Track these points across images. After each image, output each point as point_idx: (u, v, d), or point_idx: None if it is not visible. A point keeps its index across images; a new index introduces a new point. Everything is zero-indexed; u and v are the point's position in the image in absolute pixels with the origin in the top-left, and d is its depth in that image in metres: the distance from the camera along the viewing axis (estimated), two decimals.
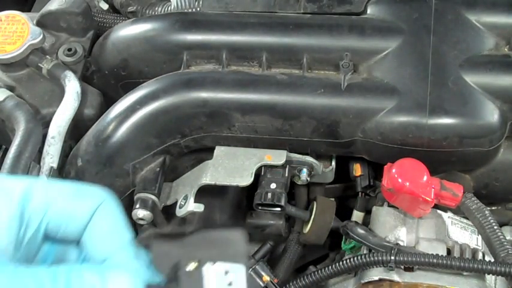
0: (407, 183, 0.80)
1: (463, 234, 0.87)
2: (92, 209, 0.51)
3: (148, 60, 0.95)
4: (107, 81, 1.00)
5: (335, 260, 0.95)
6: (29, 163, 0.84)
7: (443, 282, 0.80)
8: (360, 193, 0.96)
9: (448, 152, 0.85)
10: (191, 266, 0.52)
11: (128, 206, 0.90)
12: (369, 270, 0.82)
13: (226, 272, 0.53)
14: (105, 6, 1.14)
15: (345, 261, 0.82)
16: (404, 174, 0.81)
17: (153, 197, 0.87)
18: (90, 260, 0.52)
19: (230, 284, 0.52)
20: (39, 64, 0.96)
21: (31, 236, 0.50)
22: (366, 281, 0.82)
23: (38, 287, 0.45)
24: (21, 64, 0.97)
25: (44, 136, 0.89)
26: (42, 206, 0.50)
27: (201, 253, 0.53)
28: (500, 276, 0.81)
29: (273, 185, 0.87)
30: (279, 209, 0.87)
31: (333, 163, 0.94)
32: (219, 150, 0.90)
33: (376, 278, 0.81)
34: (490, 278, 0.83)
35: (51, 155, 0.87)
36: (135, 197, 0.87)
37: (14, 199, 0.49)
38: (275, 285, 0.86)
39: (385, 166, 0.84)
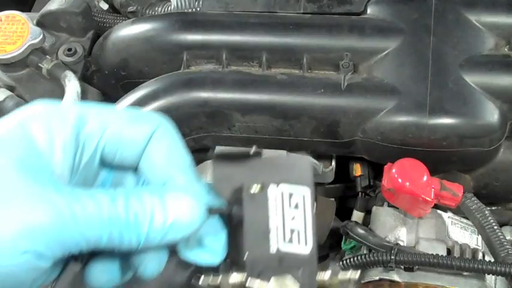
0: (407, 183, 0.80)
1: (463, 234, 0.87)
2: (149, 132, 0.49)
3: (148, 60, 0.95)
4: (107, 81, 1.00)
5: (335, 260, 0.95)
6: None
7: (443, 282, 0.80)
8: (360, 193, 0.96)
9: (448, 152, 0.85)
10: (255, 189, 0.50)
11: None
12: (369, 270, 0.82)
13: (292, 195, 0.50)
14: (105, 6, 1.14)
15: (345, 261, 0.82)
16: (404, 174, 0.81)
17: None
18: (149, 185, 0.50)
19: (296, 206, 0.50)
20: (39, 64, 0.96)
21: (87, 160, 0.48)
22: (366, 281, 0.82)
23: (96, 208, 0.44)
24: (21, 64, 0.97)
25: None
26: (98, 129, 0.48)
27: (265, 176, 0.51)
28: (500, 276, 0.81)
29: None
30: None
31: (333, 163, 0.94)
32: (219, 150, 0.90)
33: (376, 278, 0.81)
34: (490, 278, 0.83)
35: None
36: None
37: (68, 122, 0.47)
38: None
39: (385, 166, 0.84)
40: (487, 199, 0.90)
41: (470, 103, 0.84)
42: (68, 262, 0.50)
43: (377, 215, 0.88)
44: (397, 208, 0.87)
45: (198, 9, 1.01)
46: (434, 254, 0.78)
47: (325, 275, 0.50)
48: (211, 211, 0.49)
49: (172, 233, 0.46)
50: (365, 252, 0.84)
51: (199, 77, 0.90)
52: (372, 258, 0.80)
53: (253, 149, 0.51)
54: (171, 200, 0.47)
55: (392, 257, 0.78)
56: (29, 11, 1.25)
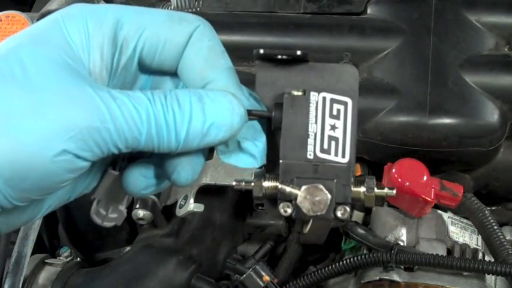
0: (407, 183, 0.80)
1: (463, 234, 0.87)
2: (188, 32, 0.48)
3: None
4: None
5: (335, 260, 0.95)
6: None
7: (443, 282, 0.80)
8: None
9: (448, 151, 0.85)
10: (297, 93, 0.49)
11: (128, 206, 0.89)
12: (368, 270, 0.82)
13: (334, 103, 0.49)
14: None
15: (345, 261, 0.82)
16: (404, 174, 0.81)
17: (153, 197, 0.87)
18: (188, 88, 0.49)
19: (338, 115, 0.49)
20: None
21: (126, 62, 0.48)
22: (366, 281, 0.82)
23: (133, 106, 0.43)
24: None
25: None
26: (137, 29, 0.47)
27: (309, 82, 0.50)
28: (500, 276, 0.81)
29: None
30: None
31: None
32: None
33: (376, 278, 0.81)
34: (490, 278, 0.83)
35: None
36: (135, 197, 0.87)
37: (105, 24, 0.46)
38: (275, 285, 0.86)
39: (385, 166, 0.84)
40: (487, 199, 0.90)
41: (470, 103, 0.84)
42: (107, 171, 0.50)
43: (377, 215, 0.88)
44: (397, 208, 0.87)
45: (198, 9, 1.01)
46: (434, 254, 0.78)
47: (360, 189, 0.49)
48: (251, 113, 0.48)
49: (211, 134, 0.45)
50: (365, 252, 0.84)
51: None
52: (372, 258, 0.80)
53: (298, 52, 0.50)
54: (210, 101, 0.46)
55: (393, 257, 0.78)
56: (29, 11, 1.25)
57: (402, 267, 0.80)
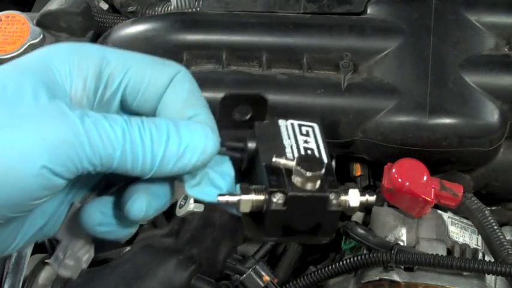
0: (407, 183, 0.80)
1: (463, 234, 0.87)
2: (171, 75, 0.50)
3: None
4: None
5: (335, 260, 0.95)
6: None
7: (443, 282, 0.80)
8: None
9: (448, 152, 0.85)
10: (265, 122, 0.51)
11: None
12: (368, 270, 0.82)
13: (301, 126, 0.51)
14: (105, 6, 1.14)
15: (345, 261, 0.82)
16: (404, 174, 0.81)
17: None
18: None
19: (307, 133, 0.51)
20: None
21: (110, 96, 0.49)
22: (366, 281, 0.82)
23: (110, 125, 0.44)
24: None
25: None
26: (122, 67, 0.48)
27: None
28: (500, 276, 0.81)
29: None
30: None
31: (333, 163, 0.94)
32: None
33: (376, 278, 0.81)
34: (490, 278, 0.83)
35: None
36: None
37: (92, 57, 0.48)
38: (275, 285, 0.86)
39: (385, 166, 0.84)
40: (487, 199, 0.90)
41: (470, 103, 0.84)
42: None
43: (377, 215, 0.88)
44: (397, 208, 0.87)
45: (198, 9, 1.01)
46: (434, 254, 0.78)
47: (345, 198, 0.49)
48: (224, 144, 0.49)
49: (186, 157, 0.46)
50: (365, 252, 0.84)
51: (199, 77, 0.89)
52: (372, 258, 0.80)
53: (259, 94, 0.53)
54: (185, 125, 0.47)
55: (393, 257, 0.78)
56: (29, 11, 1.25)
57: (402, 267, 0.80)
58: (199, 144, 0.47)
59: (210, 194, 0.49)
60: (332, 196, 0.47)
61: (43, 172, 0.42)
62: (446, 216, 0.88)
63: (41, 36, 0.97)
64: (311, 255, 1.03)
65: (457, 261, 0.77)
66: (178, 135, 0.46)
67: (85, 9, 1.04)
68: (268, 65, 0.91)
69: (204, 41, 0.93)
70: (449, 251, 0.83)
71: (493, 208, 0.95)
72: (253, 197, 0.47)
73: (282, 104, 0.87)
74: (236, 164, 0.51)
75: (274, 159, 0.48)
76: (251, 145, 0.50)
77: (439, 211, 0.88)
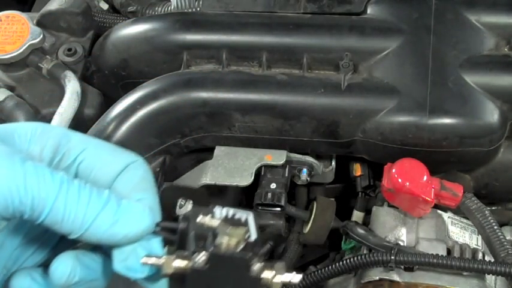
0: (407, 183, 0.80)
1: (463, 234, 0.87)
2: (126, 162, 0.51)
3: (148, 60, 0.95)
4: (107, 81, 1.00)
5: (335, 260, 0.95)
6: None
7: (443, 282, 0.80)
8: (360, 193, 0.96)
9: (448, 152, 0.85)
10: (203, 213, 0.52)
11: None
12: (369, 270, 0.82)
13: (235, 214, 0.53)
14: (105, 6, 1.14)
15: (345, 261, 0.82)
16: (404, 174, 0.81)
17: None
18: None
19: (240, 218, 0.52)
20: (39, 64, 0.96)
21: (64, 168, 0.50)
22: (366, 281, 0.82)
23: (50, 172, 0.45)
24: (21, 64, 0.97)
25: None
26: (81, 146, 0.51)
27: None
28: (500, 276, 0.81)
29: (273, 185, 0.87)
30: (279, 209, 0.87)
31: (333, 163, 0.94)
32: (219, 150, 0.90)
33: (376, 278, 0.81)
34: (490, 278, 0.83)
35: None
36: None
37: (55, 132, 0.50)
38: None
39: (385, 166, 0.84)
40: (487, 199, 0.90)
41: (470, 103, 0.84)
42: None
43: (377, 215, 0.88)
44: (397, 208, 0.87)
45: (198, 9, 1.01)
46: (434, 254, 0.78)
47: (270, 274, 0.50)
48: (159, 225, 0.51)
49: (117, 228, 0.47)
50: (365, 252, 0.84)
51: (199, 77, 0.90)
52: (372, 258, 0.80)
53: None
54: (126, 201, 0.49)
55: (392, 257, 0.78)
56: (29, 11, 1.25)
57: (402, 267, 0.80)
58: (134, 218, 0.48)
59: (135, 271, 0.50)
60: (256, 265, 0.49)
61: None
62: (446, 216, 0.88)
63: (41, 36, 0.97)
64: (311, 255, 1.03)
65: (457, 261, 0.77)
66: (117, 204, 0.48)
67: (85, 9, 1.04)
68: (268, 65, 0.91)
69: (204, 41, 0.93)
70: (449, 251, 0.84)
71: (493, 208, 0.95)
72: (177, 259, 0.49)
73: (282, 104, 0.87)
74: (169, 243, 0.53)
75: (200, 216, 0.50)
76: (183, 225, 0.52)
77: (439, 211, 0.88)
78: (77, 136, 0.51)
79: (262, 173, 0.89)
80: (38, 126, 0.50)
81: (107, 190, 0.48)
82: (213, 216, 0.51)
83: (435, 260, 0.77)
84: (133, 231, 0.48)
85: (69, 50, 1.00)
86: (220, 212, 0.52)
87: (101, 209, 0.47)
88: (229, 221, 0.50)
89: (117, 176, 0.51)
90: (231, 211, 0.53)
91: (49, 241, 0.53)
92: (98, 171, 0.51)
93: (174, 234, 0.52)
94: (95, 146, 0.51)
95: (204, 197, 0.55)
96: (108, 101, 0.95)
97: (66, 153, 0.50)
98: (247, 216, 0.53)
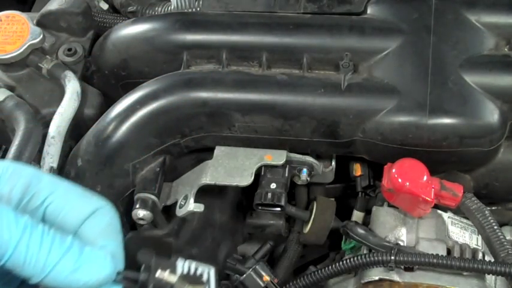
0: (407, 183, 0.80)
1: (463, 234, 0.87)
2: (94, 207, 0.52)
3: (148, 60, 0.95)
4: (107, 81, 1.00)
5: (335, 260, 0.95)
6: (29, 163, 0.84)
7: (443, 282, 0.80)
8: (360, 193, 0.96)
9: (448, 152, 0.85)
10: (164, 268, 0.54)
11: (128, 206, 0.90)
12: (369, 270, 0.82)
13: (197, 268, 0.55)
14: (105, 6, 1.14)
15: (345, 261, 0.82)
16: (404, 174, 0.81)
17: (153, 197, 0.87)
18: None
19: (201, 275, 0.55)
20: (39, 64, 0.96)
21: (31, 211, 0.51)
22: (366, 281, 0.82)
23: (14, 215, 0.46)
24: (21, 64, 0.97)
25: (44, 136, 0.89)
26: (50, 188, 0.51)
27: None
28: (500, 276, 0.81)
29: (273, 185, 0.87)
30: (279, 209, 0.87)
31: (333, 163, 0.94)
32: (219, 150, 0.90)
33: (376, 278, 0.81)
34: (490, 278, 0.83)
35: (51, 155, 0.87)
36: (135, 197, 0.87)
37: (26, 173, 0.51)
38: (275, 285, 0.86)
39: (385, 166, 0.84)
40: (487, 199, 0.90)
41: (470, 103, 0.84)
42: None
43: (377, 215, 0.89)
44: (397, 208, 0.87)
45: (198, 9, 1.01)
46: (434, 254, 0.78)
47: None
48: (121, 273, 0.52)
49: (79, 275, 0.48)
50: (365, 252, 0.84)
51: (199, 77, 0.90)
52: (372, 258, 0.80)
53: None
54: (89, 248, 0.50)
55: (392, 257, 0.78)
56: (29, 11, 1.25)
57: (402, 267, 0.80)
58: (96, 266, 0.49)
59: None
60: None
61: None
62: (446, 216, 0.88)
63: (41, 36, 0.96)
64: (311, 255, 1.03)
65: (457, 261, 0.77)
66: (79, 252, 0.49)
67: (85, 9, 1.04)
68: (268, 65, 0.91)
69: (204, 41, 0.93)
70: (449, 251, 0.84)
71: (493, 208, 0.95)
72: None
73: (282, 104, 0.87)
74: None
75: (159, 271, 0.52)
76: (143, 277, 0.53)
77: (439, 211, 0.88)
78: (48, 178, 0.52)
79: (262, 173, 0.89)
80: (9, 166, 0.51)
81: (70, 236, 0.49)
82: (173, 271, 0.53)
83: (435, 260, 0.77)
84: (93, 279, 0.49)
85: (69, 50, 1.00)
86: (182, 266, 0.54)
87: (62, 255, 0.47)
88: (189, 278, 0.52)
89: (84, 220, 0.52)
90: (193, 265, 0.55)
91: (11, 283, 0.53)
92: (65, 214, 0.52)
93: (136, 283, 0.54)
94: (64, 189, 0.52)
95: (169, 248, 0.61)
96: (108, 101, 0.95)
97: (36, 194, 0.51)
98: (208, 271, 0.55)
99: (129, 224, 0.94)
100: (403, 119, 0.84)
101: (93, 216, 0.52)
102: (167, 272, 0.53)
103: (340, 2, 0.95)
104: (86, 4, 1.04)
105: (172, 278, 0.53)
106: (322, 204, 0.93)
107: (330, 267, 0.83)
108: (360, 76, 0.88)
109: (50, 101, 0.95)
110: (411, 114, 0.84)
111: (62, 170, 0.90)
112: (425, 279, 0.80)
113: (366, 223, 0.91)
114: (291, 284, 0.86)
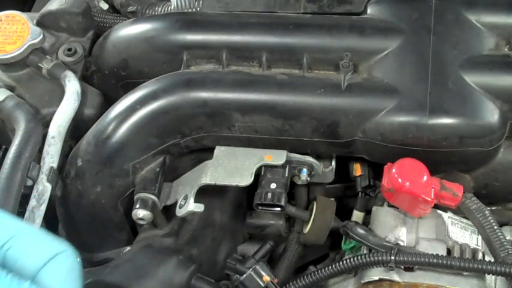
0: (407, 183, 0.80)
1: (463, 234, 0.87)
2: (54, 252, 0.53)
3: (148, 60, 0.95)
4: (107, 81, 1.00)
5: (335, 260, 0.95)
6: (29, 163, 0.84)
7: (443, 282, 0.80)
8: (360, 193, 0.96)
9: (448, 152, 0.85)
10: None
11: (128, 206, 0.90)
12: (369, 270, 0.82)
13: None
14: (105, 6, 1.14)
15: (345, 261, 0.82)
16: (404, 174, 0.81)
17: (153, 197, 0.87)
18: None
19: None
20: (39, 64, 0.96)
21: None
22: (366, 281, 0.82)
23: None
24: (21, 64, 0.97)
25: (44, 136, 0.89)
26: (11, 232, 0.52)
27: None
28: (500, 276, 0.81)
29: (273, 185, 0.87)
30: (279, 209, 0.87)
31: (333, 163, 0.94)
32: (219, 150, 0.90)
33: (376, 278, 0.81)
34: (490, 278, 0.83)
35: (51, 155, 0.87)
36: (135, 197, 0.87)
37: None
38: (275, 285, 0.86)
39: (385, 166, 0.84)
40: (487, 199, 0.90)
41: (470, 103, 0.84)
42: None
43: (377, 215, 0.89)
44: (397, 208, 0.87)
45: (198, 9, 1.01)
46: (434, 254, 0.78)
47: None
48: None
49: None
50: (365, 252, 0.84)
51: (199, 77, 0.90)
52: (372, 258, 0.80)
53: None
54: None
55: (392, 257, 0.78)
56: (29, 11, 1.25)
57: (402, 267, 0.80)
58: None
59: None
60: None
61: None
62: (446, 216, 0.88)
63: (41, 36, 0.96)
64: (311, 255, 1.03)
65: (457, 261, 0.77)
66: None
67: (85, 9, 1.04)
68: (268, 65, 0.91)
69: (204, 41, 0.93)
70: (449, 251, 0.84)
71: (493, 208, 0.95)
72: None
73: (282, 104, 0.87)
74: None
75: None
76: None
77: (439, 211, 0.88)
78: (9, 221, 0.53)
79: (262, 173, 0.89)
80: None
81: (28, 282, 0.49)
82: None
83: (435, 260, 0.77)
84: None
85: (69, 50, 1.00)
86: None
87: None
88: None
89: (44, 265, 0.52)
90: None
91: None
92: (24, 259, 0.52)
93: None
94: (26, 233, 0.52)
95: None
96: (108, 101, 0.95)
97: None
98: None
99: (129, 224, 0.94)
100: (403, 119, 0.84)
101: (53, 261, 0.53)
102: None
103: (340, 2, 0.95)
104: (86, 4, 1.04)
105: None
106: (322, 204, 0.93)
107: (330, 267, 0.83)
108: (359, 76, 0.88)
109: (50, 101, 0.95)
110: (411, 114, 0.84)
111: (62, 170, 0.90)
112: (425, 279, 0.80)
113: (366, 223, 0.91)
114: (291, 284, 0.86)
